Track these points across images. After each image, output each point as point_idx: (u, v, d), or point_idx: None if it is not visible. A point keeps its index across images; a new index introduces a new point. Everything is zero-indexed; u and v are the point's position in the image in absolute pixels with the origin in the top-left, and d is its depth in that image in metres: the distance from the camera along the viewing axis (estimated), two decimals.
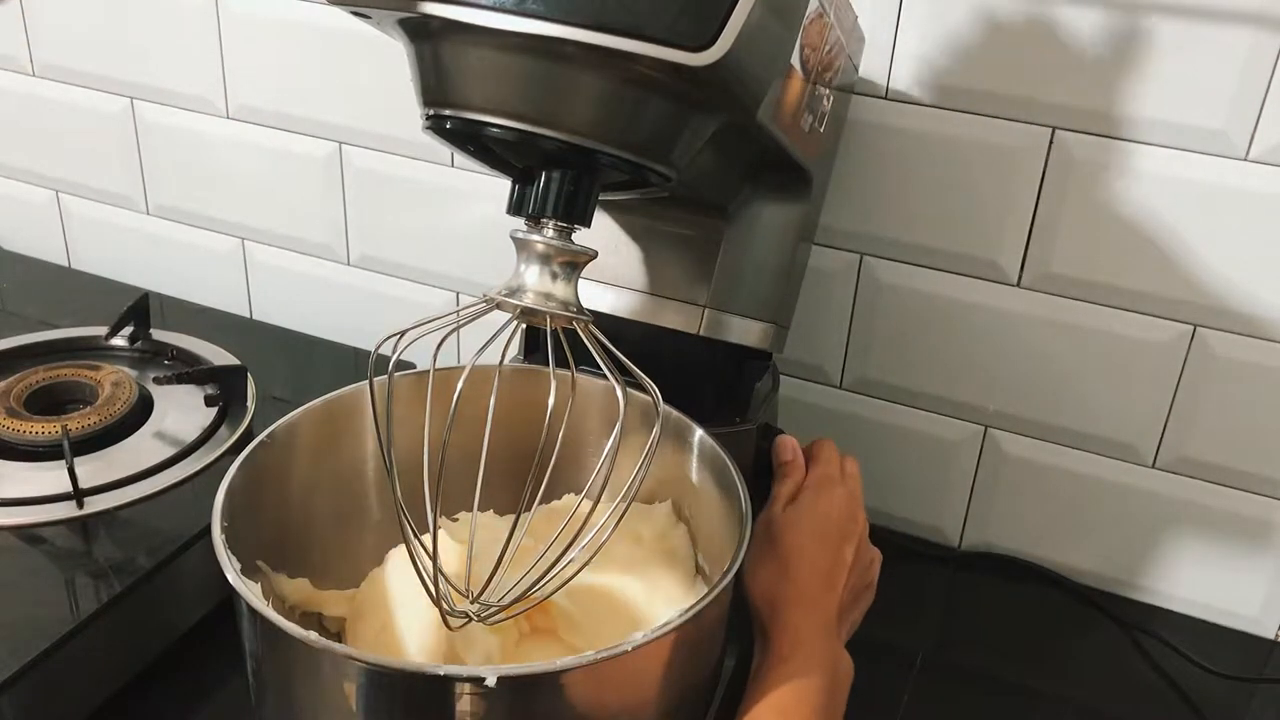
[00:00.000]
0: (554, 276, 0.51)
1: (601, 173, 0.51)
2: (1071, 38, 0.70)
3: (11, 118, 1.09)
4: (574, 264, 0.52)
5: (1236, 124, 0.69)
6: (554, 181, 0.51)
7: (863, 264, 0.82)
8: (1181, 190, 0.71)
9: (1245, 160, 0.69)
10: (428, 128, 0.51)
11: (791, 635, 0.59)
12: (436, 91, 0.49)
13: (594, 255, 0.53)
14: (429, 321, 0.53)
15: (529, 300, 0.51)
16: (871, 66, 0.75)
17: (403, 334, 0.53)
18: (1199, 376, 0.75)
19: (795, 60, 0.54)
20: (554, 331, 0.53)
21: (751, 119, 0.52)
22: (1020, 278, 0.78)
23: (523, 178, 0.52)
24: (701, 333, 0.69)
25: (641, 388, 0.54)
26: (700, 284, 0.69)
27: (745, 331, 0.70)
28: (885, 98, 0.76)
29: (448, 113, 0.49)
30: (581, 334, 0.53)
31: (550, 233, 0.51)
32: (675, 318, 0.69)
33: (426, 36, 0.48)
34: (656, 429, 0.54)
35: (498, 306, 0.52)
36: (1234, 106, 0.68)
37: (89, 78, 1.03)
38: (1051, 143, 0.73)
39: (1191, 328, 0.74)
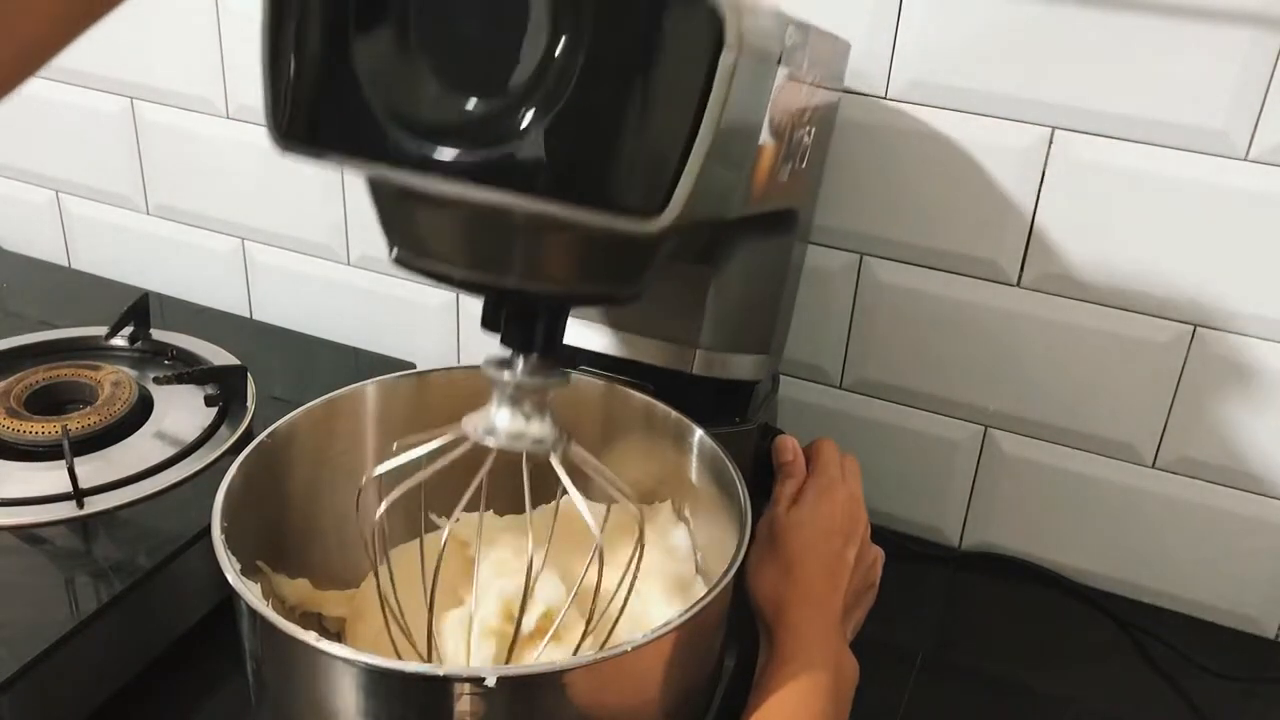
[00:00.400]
0: (526, 417, 0.52)
1: (568, 307, 0.52)
2: (1071, 38, 0.70)
3: (11, 118, 1.09)
4: (546, 399, 0.53)
5: (1236, 124, 0.69)
6: (521, 322, 0.51)
7: (863, 264, 0.82)
8: (1181, 190, 0.71)
9: (1245, 160, 0.69)
10: (394, 261, 0.51)
11: (796, 636, 0.59)
12: (398, 236, 0.49)
13: (566, 382, 0.53)
14: (409, 462, 0.55)
15: (502, 442, 0.53)
16: (871, 67, 0.75)
17: (380, 477, 0.56)
18: (1199, 376, 0.75)
19: (766, 137, 0.52)
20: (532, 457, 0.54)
21: (724, 221, 0.51)
22: (1020, 278, 0.78)
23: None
24: (694, 372, 0.69)
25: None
26: (691, 325, 0.68)
27: (740, 366, 0.71)
28: (885, 98, 0.76)
29: (411, 258, 0.49)
30: (556, 465, 0.54)
31: (520, 368, 0.51)
32: (668, 358, 0.69)
33: (381, 185, 0.48)
34: (638, 551, 0.56)
35: (474, 444, 0.53)
36: (1234, 106, 0.68)
37: (89, 78, 1.03)
38: (1051, 143, 0.73)
39: (1191, 328, 0.74)
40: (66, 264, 1.14)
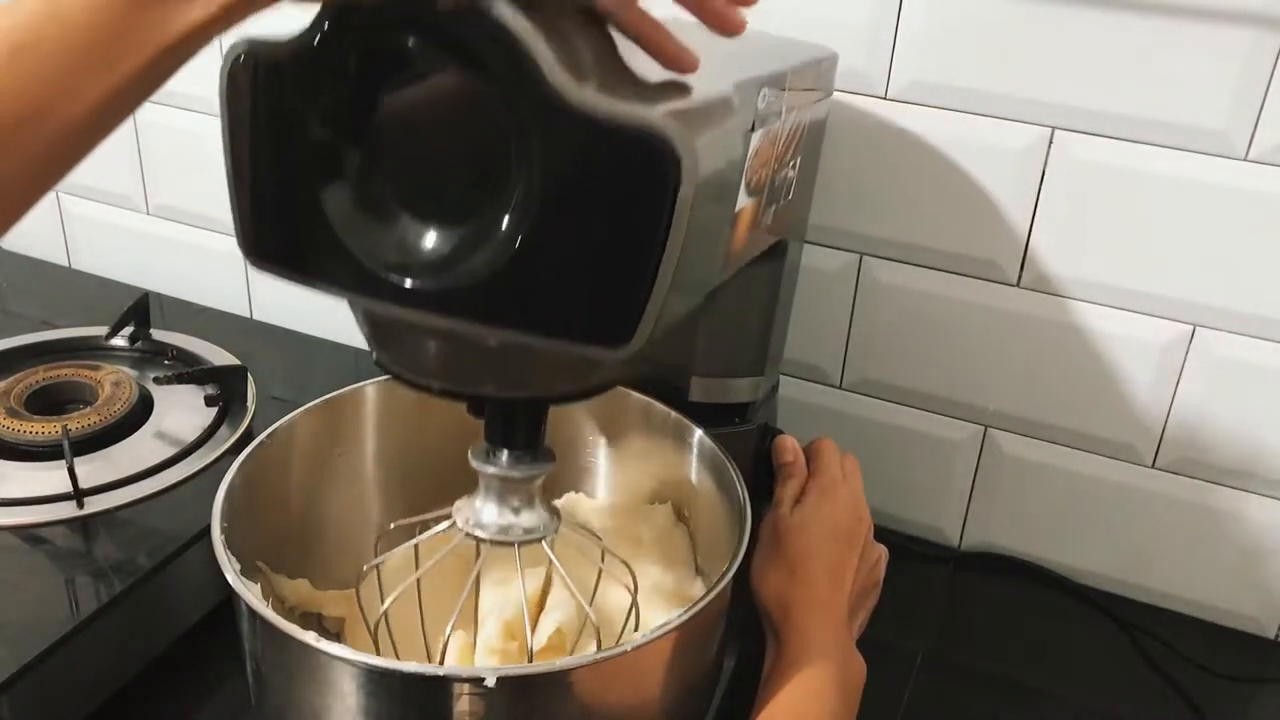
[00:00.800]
0: (515, 510, 0.53)
1: (547, 405, 0.52)
2: (1071, 38, 0.70)
3: None
4: (534, 488, 0.53)
5: (1236, 124, 0.68)
6: (502, 419, 0.51)
7: (862, 264, 0.82)
8: (1181, 190, 0.71)
9: (1245, 160, 0.69)
10: (375, 364, 0.51)
11: (803, 637, 0.59)
12: (377, 345, 0.50)
13: (552, 466, 0.53)
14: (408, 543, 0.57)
15: (493, 535, 0.53)
16: (871, 66, 0.75)
17: (378, 566, 0.58)
18: (1199, 376, 0.75)
19: (744, 200, 0.51)
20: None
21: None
22: (1020, 278, 0.78)
23: None
24: (691, 399, 0.69)
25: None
26: (685, 353, 0.68)
27: (736, 390, 0.71)
28: (885, 98, 0.76)
29: (391, 366, 0.50)
30: (548, 552, 0.54)
31: (505, 460, 0.52)
32: (664, 384, 0.69)
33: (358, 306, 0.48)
34: (634, 609, 0.57)
35: (466, 535, 0.54)
36: (1234, 106, 0.68)
37: None
38: (1051, 143, 0.73)
39: (1191, 328, 0.74)
40: (66, 264, 1.14)
